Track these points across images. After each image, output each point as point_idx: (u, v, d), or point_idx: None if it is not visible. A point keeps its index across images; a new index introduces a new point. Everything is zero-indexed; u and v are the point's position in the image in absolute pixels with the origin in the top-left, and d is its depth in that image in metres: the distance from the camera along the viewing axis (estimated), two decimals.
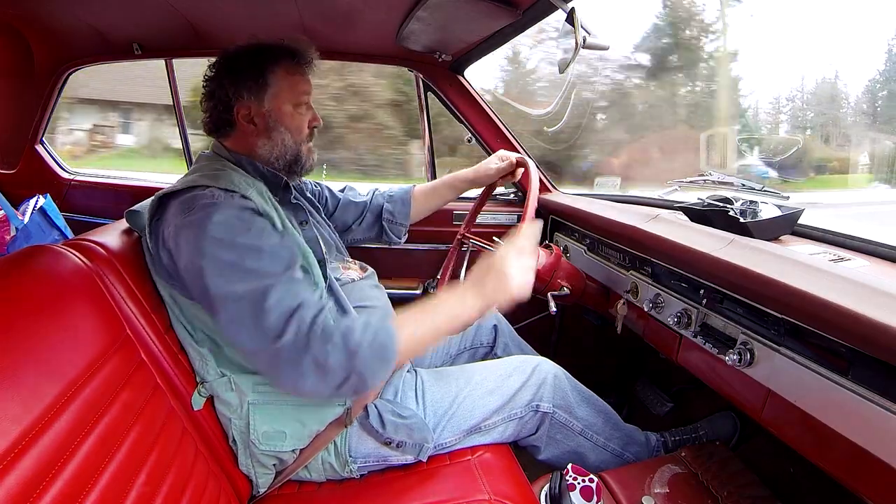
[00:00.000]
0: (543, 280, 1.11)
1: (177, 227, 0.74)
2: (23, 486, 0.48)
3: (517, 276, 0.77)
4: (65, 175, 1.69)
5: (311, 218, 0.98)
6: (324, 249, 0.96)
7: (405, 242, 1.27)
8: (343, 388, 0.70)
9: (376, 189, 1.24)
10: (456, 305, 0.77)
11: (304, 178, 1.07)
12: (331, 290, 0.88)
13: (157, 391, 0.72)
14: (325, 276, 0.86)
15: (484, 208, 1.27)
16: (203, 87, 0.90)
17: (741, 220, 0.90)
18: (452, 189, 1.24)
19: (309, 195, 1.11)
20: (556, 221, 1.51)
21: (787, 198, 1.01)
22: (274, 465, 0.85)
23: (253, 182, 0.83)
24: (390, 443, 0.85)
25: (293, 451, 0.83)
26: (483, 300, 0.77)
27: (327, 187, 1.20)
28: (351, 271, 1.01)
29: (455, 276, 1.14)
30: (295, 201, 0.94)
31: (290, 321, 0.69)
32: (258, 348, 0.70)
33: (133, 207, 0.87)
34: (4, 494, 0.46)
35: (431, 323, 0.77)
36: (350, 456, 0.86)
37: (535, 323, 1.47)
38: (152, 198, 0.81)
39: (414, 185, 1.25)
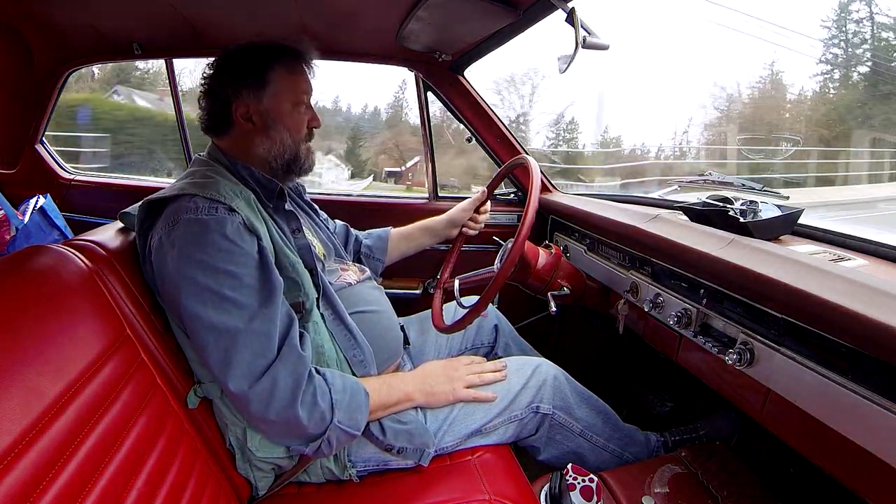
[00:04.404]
0: (543, 280, 1.11)
1: (160, 240, 0.74)
2: (23, 485, 0.48)
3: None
4: (65, 175, 1.69)
5: (305, 225, 0.96)
6: (320, 254, 0.96)
7: None
8: (315, 443, 0.75)
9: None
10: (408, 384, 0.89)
11: (300, 181, 1.07)
12: (326, 298, 0.87)
13: (157, 391, 0.72)
14: (318, 286, 0.86)
15: (484, 209, 1.28)
16: (201, 84, 0.89)
17: (741, 219, 0.90)
18: (428, 233, 1.28)
19: (307, 198, 1.11)
20: (556, 221, 1.51)
21: (787, 198, 1.01)
22: (272, 469, 0.85)
23: (241, 191, 0.81)
24: (391, 449, 0.85)
25: (290, 457, 0.83)
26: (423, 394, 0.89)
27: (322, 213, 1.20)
28: (350, 273, 1.00)
29: (449, 296, 1.15)
30: (289, 208, 0.92)
31: (260, 379, 0.70)
32: (224, 383, 0.71)
33: (126, 209, 0.87)
34: (4, 494, 0.46)
35: (388, 397, 0.85)
36: (349, 461, 0.86)
37: (535, 323, 1.47)
38: (141, 203, 0.80)
39: (390, 228, 1.29)
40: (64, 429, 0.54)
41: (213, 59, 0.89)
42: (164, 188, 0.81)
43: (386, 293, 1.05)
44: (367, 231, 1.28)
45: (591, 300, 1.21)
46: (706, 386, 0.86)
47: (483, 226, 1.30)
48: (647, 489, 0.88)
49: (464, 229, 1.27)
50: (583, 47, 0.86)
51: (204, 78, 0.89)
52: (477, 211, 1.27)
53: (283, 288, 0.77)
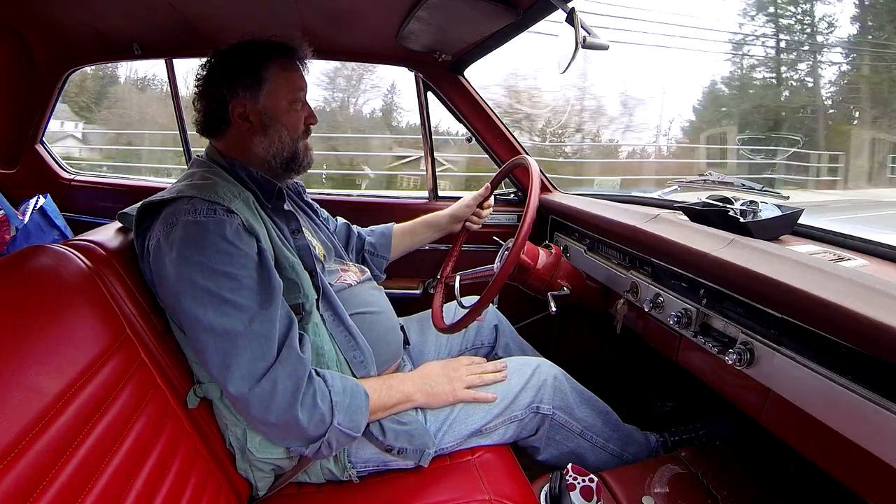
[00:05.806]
0: (543, 280, 1.11)
1: (158, 242, 0.74)
2: (23, 485, 0.48)
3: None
4: (65, 175, 1.69)
5: (304, 225, 0.96)
6: (320, 255, 0.96)
7: None
8: (315, 444, 0.75)
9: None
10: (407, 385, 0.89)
11: (299, 180, 1.07)
12: (326, 299, 0.87)
13: (157, 391, 0.72)
14: (317, 287, 0.85)
15: (487, 204, 1.28)
16: (195, 86, 0.88)
17: (741, 219, 0.90)
18: (431, 228, 1.28)
19: (307, 199, 1.11)
20: (556, 221, 1.51)
21: (787, 198, 1.01)
22: (272, 469, 0.85)
23: (240, 192, 0.81)
24: (391, 449, 0.85)
25: (290, 458, 0.83)
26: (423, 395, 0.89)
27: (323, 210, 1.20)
28: (349, 273, 1.00)
29: (449, 293, 1.15)
30: (288, 209, 0.92)
31: (260, 381, 0.70)
32: (223, 386, 0.71)
33: (125, 210, 0.87)
34: (4, 494, 0.46)
35: (388, 398, 0.85)
36: (349, 461, 0.86)
37: (535, 323, 1.47)
38: (138, 204, 0.80)
39: (393, 224, 1.28)
40: (64, 429, 0.54)
41: (205, 59, 0.88)
42: (164, 189, 0.81)
43: (386, 293, 1.05)
44: (369, 228, 1.28)
45: (590, 300, 1.21)
46: (706, 386, 0.85)
47: (486, 220, 1.30)
48: (647, 489, 0.88)
49: (467, 224, 1.27)
50: (583, 47, 0.85)
51: (198, 79, 0.88)
52: (480, 206, 1.27)
53: (282, 289, 0.77)
